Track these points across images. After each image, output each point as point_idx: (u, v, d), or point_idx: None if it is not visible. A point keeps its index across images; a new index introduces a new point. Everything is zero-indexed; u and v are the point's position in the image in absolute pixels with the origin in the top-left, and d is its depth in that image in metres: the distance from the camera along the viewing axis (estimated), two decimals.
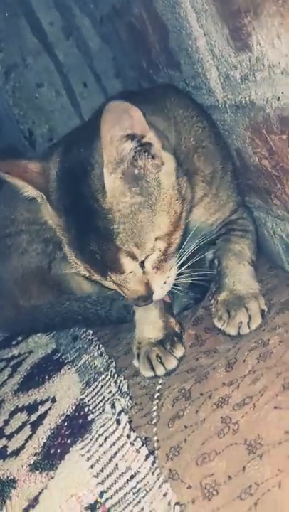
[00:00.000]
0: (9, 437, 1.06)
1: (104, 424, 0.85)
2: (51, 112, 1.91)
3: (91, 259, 0.90)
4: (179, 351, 0.99)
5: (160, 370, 0.97)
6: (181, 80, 1.25)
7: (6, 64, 1.84)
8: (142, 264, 0.90)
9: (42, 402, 1.10)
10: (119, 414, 0.85)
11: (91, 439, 0.84)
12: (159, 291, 0.95)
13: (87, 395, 1.02)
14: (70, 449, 0.87)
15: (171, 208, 0.90)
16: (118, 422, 0.83)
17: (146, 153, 0.87)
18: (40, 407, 1.09)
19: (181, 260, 0.97)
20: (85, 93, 1.93)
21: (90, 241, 0.88)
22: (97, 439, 0.83)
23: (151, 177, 0.88)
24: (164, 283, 0.95)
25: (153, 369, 0.97)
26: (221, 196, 1.11)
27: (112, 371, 1.04)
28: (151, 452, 0.78)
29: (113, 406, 0.88)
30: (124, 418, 0.84)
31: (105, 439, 0.82)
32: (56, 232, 0.99)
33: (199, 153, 1.06)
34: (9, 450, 1.02)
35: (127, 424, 0.83)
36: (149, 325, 1.04)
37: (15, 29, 1.81)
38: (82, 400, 1.02)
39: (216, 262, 1.10)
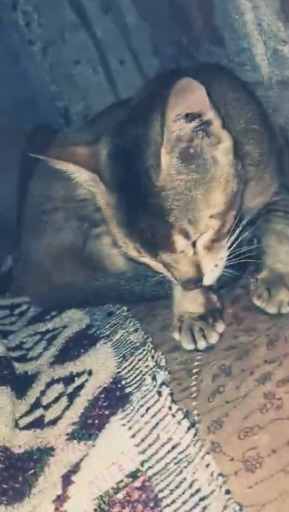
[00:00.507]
0: (46, 407, 1.08)
1: (145, 396, 0.85)
2: (87, 89, 1.91)
3: (142, 238, 0.90)
4: (221, 326, 1.00)
5: (201, 344, 0.98)
6: (224, 56, 1.23)
7: (45, 39, 1.83)
8: (194, 244, 0.89)
9: (78, 375, 1.12)
10: (161, 386, 0.86)
11: (132, 410, 0.85)
12: (210, 275, 0.94)
13: (124, 368, 1.03)
14: (110, 419, 0.88)
15: (227, 186, 0.89)
16: (160, 393, 0.84)
17: (203, 132, 0.87)
18: (76, 378, 1.10)
19: (229, 243, 0.95)
20: (121, 70, 1.91)
21: (141, 219, 0.88)
22: (138, 409, 0.84)
23: (207, 155, 0.88)
24: (216, 266, 0.93)
25: (195, 342, 0.98)
26: (266, 179, 1.11)
27: (148, 346, 1.04)
28: (193, 425, 0.79)
29: (154, 378, 0.88)
30: (165, 390, 0.85)
31: (146, 410, 0.83)
32: (106, 213, 0.98)
33: (249, 136, 1.05)
34: (46, 419, 1.04)
35: (169, 396, 0.84)
36: (190, 300, 1.04)
37: (54, 4, 1.80)
38: (118, 373, 1.03)
39: (255, 240, 1.09)
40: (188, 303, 1.04)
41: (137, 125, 0.91)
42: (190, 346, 0.99)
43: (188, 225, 0.86)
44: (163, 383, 0.87)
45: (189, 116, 0.84)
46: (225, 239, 0.93)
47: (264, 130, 1.08)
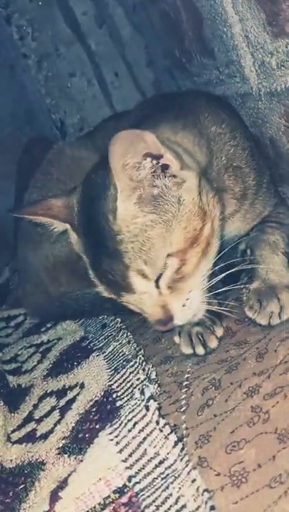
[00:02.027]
0: (38, 421, 1.08)
1: (133, 410, 0.85)
2: (82, 101, 1.92)
3: (106, 280, 0.92)
4: (220, 331, 1.00)
5: (200, 349, 0.97)
6: (215, 68, 1.24)
7: (39, 53, 1.85)
8: (158, 285, 0.89)
9: (71, 388, 1.12)
10: (148, 400, 0.85)
11: (120, 424, 0.84)
12: (181, 315, 0.92)
13: (116, 381, 1.03)
14: (99, 433, 0.88)
15: (189, 224, 0.88)
16: (147, 408, 0.84)
17: (165, 173, 0.88)
18: (68, 392, 1.10)
19: (209, 284, 0.94)
20: (116, 82, 1.93)
21: (103, 262, 0.90)
22: (126, 424, 0.83)
23: (171, 194, 0.88)
24: (184, 305, 0.92)
25: (193, 347, 0.98)
26: (257, 208, 1.11)
27: (140, 358, 1.04)
28: (180, 439, 0.78)
29: (142, 392, 0.88)
30: (153, 404, 0.84)
31: (134, 425, 0.82)
32: (83, 258, 1.00)
33: (229, 172, 1.06)
34: (38, 433, 1.04)
35: (156, 410, 0.83)
36: None
37: (48, 18, 1.82)
38: (110, 386, 1.02)
39: (248, 251, 1.09)
40: None
41: (99, 172, 0.93)
42: (189, 350, 0.99)
43: (144, 266, 0.87)
44: (151, 397, 0.86)
45: (143, 162, 0.85)
46: (192, 278, 0.91)
47: (249, 166, 1.08)
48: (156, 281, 0.88)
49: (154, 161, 0.86)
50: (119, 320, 1.27)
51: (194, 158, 0.98)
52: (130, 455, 0.79)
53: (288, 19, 0.80)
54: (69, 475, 0.83)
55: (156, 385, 0.94)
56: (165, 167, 0.88)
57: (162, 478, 0.73)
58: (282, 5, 0.80)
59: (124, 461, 0.78)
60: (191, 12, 1.22)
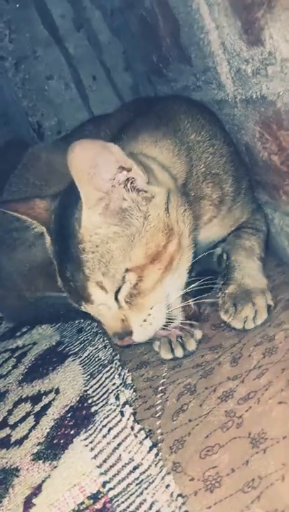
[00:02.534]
0: (13, 427, 1.07)
1: (108, 416, 0.85)
2: (60, 104, 1.92)
3: (68, 288, 0.92)
4: (199, 334, 1.00)
5: (179, 352, 0.97)
6: (192, 74, 1.24)
7: (17, 55, 1.84)
8: (117, 298, 0.88)
9: (46, 393, 1.11)
10: (124, 405, 0.85)
11: (95, 430, 0.84)
12: (140, 331, 0.90)
13: (91, 386, 1.02)
14: (74, 439, 0.87)
15: (152, 239, 0.88)
16: (122, 413, 0.84)
17: (135, 187, 0.88)
18: (44, 397, 1.10)
19: (175, 306, 0.94)
20: (94, 86, 1.93)
21: (67, 269, 0.90)
22: (100, 430, 0.83)
23: (139, 209, 0.88)
24: (145, 321, 0.90)
25: (173, 351, 0.98)
26: (235, 213, 1.12)
27: (116, 363, 1.04)
28: (155, 444, 0.79)
29: (117, 397, 0.88)
30: (128, 410, 0.84)
31: (109, 430, 0.82)
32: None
33: (208, 180, 1.06)
34: (13, 439, 1.03)
35: (131, 415, 0.83)
36: None
37: (26, 20, 1.81)
38: (86, 391, 1.02)
39: (224, 256, 1.10)
40: None
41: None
42: (168, 356, 0.99)
43: (102, 278, 0.86)
44: (126, 403, 0.86)
45: (112, 174, 0.85)
46: (152, 294, 0.89)
47: (228, 172, 1.09)
48: (116, 295, 0.88)
49: (126, 174, 0.87)
50: (96, 325, 1.27)
51: (171, 172, 0.98)
52: (105, 461, 0.78)
53: (263, 28, 0.80)
54: (43, 481, 0.82)
55: (132, 390, 0.94)
56: (133, 180, 0.88)
57: (137, 484, 0.73)
58: (257, 14, 0.81)
59: (99, 466, 0.78)
60: (168, 18, 1.23)
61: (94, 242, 0.86)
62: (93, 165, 0.82)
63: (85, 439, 0.83)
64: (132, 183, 0.88)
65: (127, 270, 0.86)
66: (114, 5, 1.76)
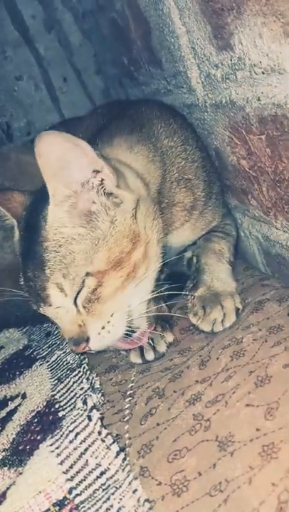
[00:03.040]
0: None
1: (75, 421, 0.83)
2: (30, 105, 1.90)
3: (28, 287, 0.90)
4: (170, 337, 1.00)
5: (150, 355, 0.97)
6: (162, 78, 1.25)
7: None
8: (76, 302, 0.86)
9: (12, 398, 1.08)
10: (91, 410, 0.84)
11: (61, 435, 0.83)
12: (97, 339, 0.88)
13: (59, 391, 1.01)
14: (40, 445, 0.86)
15: (116, 245, 0.86)
16: (89, 418, 0.82)
17: (105, 190, 0.87)
18: (10, 402, 1.07)
19: (138, 315, 0.92)
20: (64, 88, 1.91)
21: (29, 267, 0.88)
22: (67, 435, 0.82)
23: (107, 213, 0.87)
24: (103, 328, 0.87)
25: (143, 355, 0.97)
26: (207, 217, 1.12)
27: (84, 367, 1.03)
28: (122, 449, 0.78)
29: (85, 402, 0.86)
30: (95, 414, 0.83)
31: (76, 436, 0.81)
32: None
33: (181, 185, 1.06)
34: None
35: (99, 420, 0.82)
36: None
37: None
38: (53, 396, 1.00)
39: (194, 259, 1.11)
40: None
41: None
42: (138, 360, 0.98)
43: (63, 280, 0.84)
44: (94, 407, 0.85)
45: (89, 177, 0.85)
46: (111, 301, 0.87)
47: (200, 177, 1.09)
48: (76, 299, 0.86)
49: (98, 177, 0.86)
50: None
51: (145, 178, 0.98)
52: (71, 466, 0.77)
53: (233, 33, 0.81)
54: (8, 488, 0.80)
55: (100, 394, 0.93)
56: (103, 182, 0.87)
57: (103, 490, 0.72)
58: (227, 19, 0.81)
59: (65, 472, 0.77)
60: (139, 21, 1.23)
61: (58, 241, 0.84)
62: (62, 160, 0.81)
63: (51, 445, 0.82)
64: (102, 186, 0.87)
65: (87, 274, 0.84)
66: (85, 7, 1.76)
